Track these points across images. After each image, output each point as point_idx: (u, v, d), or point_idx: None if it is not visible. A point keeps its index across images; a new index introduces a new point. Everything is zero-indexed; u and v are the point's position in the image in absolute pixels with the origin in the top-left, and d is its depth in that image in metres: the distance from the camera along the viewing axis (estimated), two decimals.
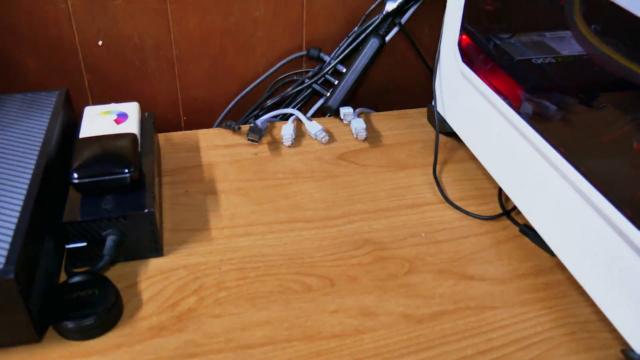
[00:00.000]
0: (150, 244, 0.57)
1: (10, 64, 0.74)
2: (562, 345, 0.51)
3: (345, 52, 0.82)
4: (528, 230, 0.62)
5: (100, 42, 0.75)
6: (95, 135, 0.60)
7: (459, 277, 0.57)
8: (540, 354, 0.50)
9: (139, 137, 0.62)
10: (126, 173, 0.56)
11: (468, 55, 0.64)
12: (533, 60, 0.60)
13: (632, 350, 0.45)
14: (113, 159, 0.57)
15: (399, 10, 0.80)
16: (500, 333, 0.52)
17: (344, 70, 0.81)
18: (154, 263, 0.57)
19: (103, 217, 0.54)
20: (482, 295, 0.55)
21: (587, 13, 0.56)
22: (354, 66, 0.80)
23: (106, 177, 0.55)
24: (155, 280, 0.56)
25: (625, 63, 0.52)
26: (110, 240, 0.54)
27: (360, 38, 0.81)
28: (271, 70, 0.83)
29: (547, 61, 0.60)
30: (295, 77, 0.84)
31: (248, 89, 0.84)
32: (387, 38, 0.81)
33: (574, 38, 0.59)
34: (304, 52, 0.83)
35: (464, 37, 0.65)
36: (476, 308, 0.54)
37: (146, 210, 0.55)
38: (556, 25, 0.64)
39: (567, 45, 0.62)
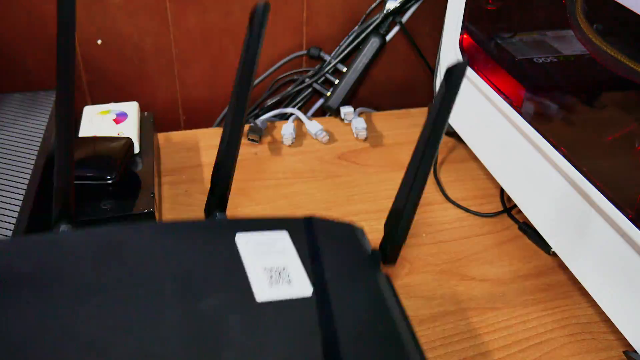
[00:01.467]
0: None
1: (10, 63, 0.74)
2: (564, 346, 0.51)
3: (345, 52, 0.81)
4: (527, 228, 0.61)
5: (99, 42, 0.75)
6: (91, 135, 0.60)
7: (460, 278, 0.57)
8: (542, 355, 0.50)
9: (137, 137, 0.62)
10: (108, 180, 0.54)
11: (469, 55, 0.64)
12: (534, 59, 0.60)
13: (635, 352, 0.45)
14: (97, 164, 0.56)
15: (400, 10, 0.80)
16: (502, 334, 0.52)
17: (345, 69, 0.81)
18: None
19: (101, 218, 0.53)
20: (484, 296, 0.55)
21: (589, 12, 0.56)
22: (355, 65, 0.80)
23: (87, 182, 0.54)
24: None
25: (627, 62, 0.52)
26: None
27: (360, 37, 0.81)
28: (271, 69, 0.83)
29: (548, 61, 0.60)
30: (295, 77, 0.84)
31: None
32: (388, 37, 0.81)
33: (576, 37, 0.59)
34: (304, 52, 0.83)
35: (465, 36, 0.65)
36: (477, 309, 0.54)
37: (146, 211, 0.54)
38: (558, 24, 0.64)
39: (569, 45, 0.61)
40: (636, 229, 0.42)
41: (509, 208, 0.65)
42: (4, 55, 0.73)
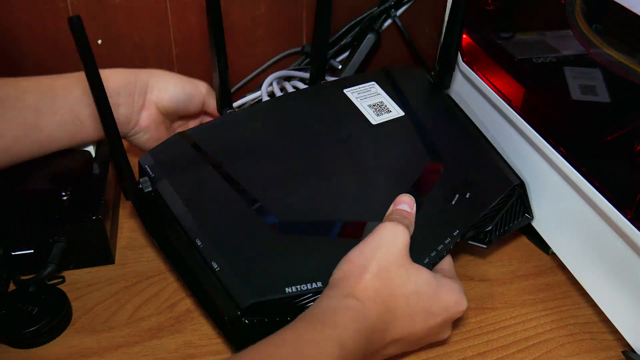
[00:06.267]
0: (100, 252, 0.56)
1: (9, 63, 0.74)
2: (563, 346, 0.51)
3: (339, 48, 0.81)
4: (526, 228, 0.61)
5: (99, 41, 0.75)
6: None
7: (459, 278, 0.57)
8: (541, 355, 0.50)
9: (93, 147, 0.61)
10: (63, 196, 0.54)
11: (469, 55, 0.64)
12: (534, 59, 0.60)
13: (633, 352, 0.45)
14: (53, 178, 0.55)
15: (397, 4, 0.79)
16: (501, 334, 0.52)
17: (340, 67, 0.80)
18: (153, 263, 0.57)
19: (49, 224, 0.52)
20: (482, 296, 0.55)
21: (588, 12, 0.56)
22: (350, 63, 0.79)
23: (43, 197, 0.54)
24: (154, 280, 0.55)
25: (626, 62, 0.51)
26: (57, 248, 0.52)
27: (354, 32, 0.80)
28: (264, 65, 0.82)
29: (547, 61, 0.60)
30: None
31: (239, 84, 0.82)
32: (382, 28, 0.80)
33: (575, 37, 0.59)
34: (298, 49, 0.82)
35: (464, 36, 0.65)
36: (476, 309, 0.54)
37: (94, 217, 0.53)
38: (557, 24, 0.64)
39: (568, 45, 0.61)
40: (635, 229, 0.42)
41: None
42: (3, 54, 0.73)
